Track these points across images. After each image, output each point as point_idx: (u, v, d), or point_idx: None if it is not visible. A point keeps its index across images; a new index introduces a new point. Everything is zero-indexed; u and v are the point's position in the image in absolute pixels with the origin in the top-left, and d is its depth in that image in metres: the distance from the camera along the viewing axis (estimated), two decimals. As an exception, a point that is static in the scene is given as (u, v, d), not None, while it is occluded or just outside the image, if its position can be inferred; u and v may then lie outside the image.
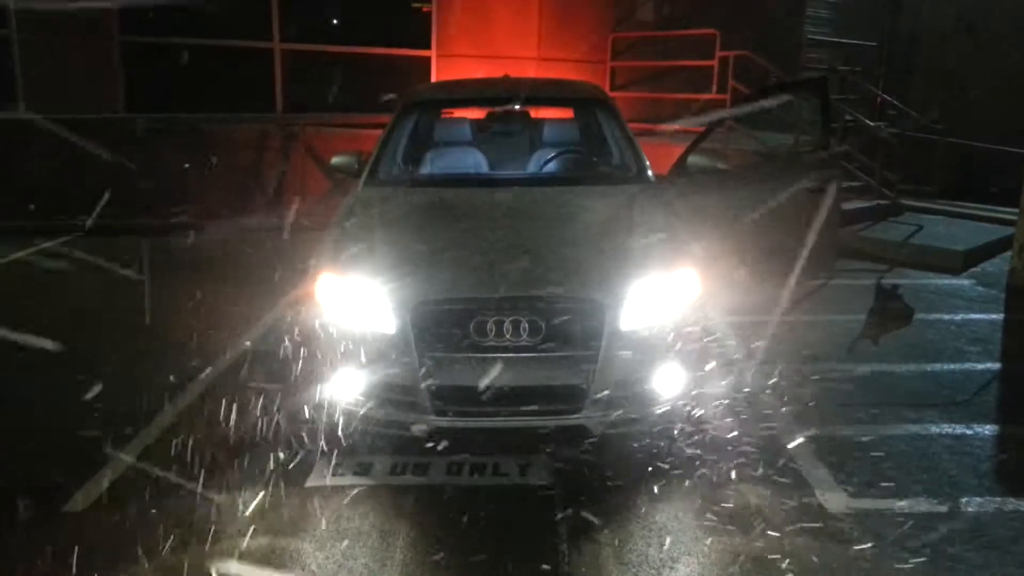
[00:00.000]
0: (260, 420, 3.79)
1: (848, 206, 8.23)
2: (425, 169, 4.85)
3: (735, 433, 3.78)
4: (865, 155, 8.90)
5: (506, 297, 3.33)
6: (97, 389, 4.06)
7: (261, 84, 9.34)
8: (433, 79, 9.52)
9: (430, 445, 3.52)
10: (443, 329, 3.33)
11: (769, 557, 2.91)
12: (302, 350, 3.68)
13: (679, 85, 9.58)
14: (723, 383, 4.15)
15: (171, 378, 4.31)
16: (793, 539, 3.02)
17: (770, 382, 4.39)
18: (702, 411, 3.79)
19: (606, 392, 3.36)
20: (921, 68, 12.99)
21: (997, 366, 4.84)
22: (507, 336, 3.31)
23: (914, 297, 6.17)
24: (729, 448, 3.66)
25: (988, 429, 3.96)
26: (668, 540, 3.02)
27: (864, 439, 3.79)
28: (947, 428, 3.95)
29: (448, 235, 3.82)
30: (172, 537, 2.99)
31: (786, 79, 7.87)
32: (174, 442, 3.62)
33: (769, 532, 3.07)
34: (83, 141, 8.45)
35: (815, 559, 2.90)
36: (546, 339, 3.32)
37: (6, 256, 7.08)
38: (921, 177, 9.55)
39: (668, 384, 3.48)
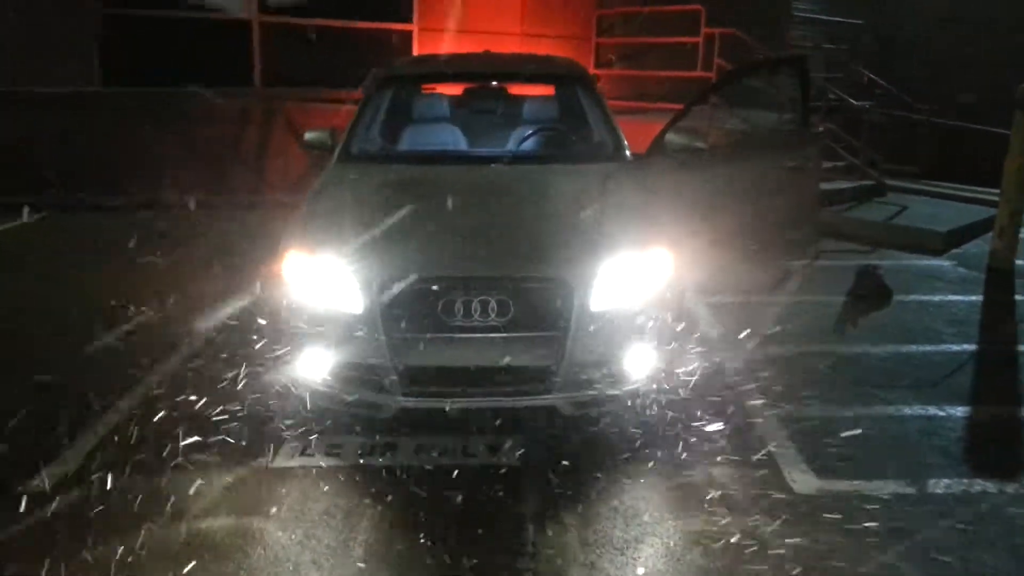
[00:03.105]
0: (229, 401, 3.75)
1: (831, 186, 8.22)
2: (399, 146, 4.77)
3: (706, 413, 3.76)
4: (850, 135, 8.86)
5: (474, 277, 3.29)
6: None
7: (239, 57, 9.19)
8: (415, 53, 9.39)
9: (399, 426, 3.50)
10: (410, 309, 3.28)
11: (734, 538, 2.90)
12: (270, 330, 3.64)
13: (664, 62, 9.49)
14: (696, 364, 4.12)
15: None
16: (759, 520, 3.01)
17: (744, 363, 4.38)
18: (673, 391, 3.75)
19: (575, 372, 3.34)
20: (909, 47, 12.92)
21: (972, 347, 4.84)
22: (475, 316, 3.27)
23: (894, 278, 6.14)
24: (699, 428, 3.64)
25: (960, 410, 3.96)
26: (633, 521, 3.01)
27: (836, 420, 3.79)
28: (919, 409, 3.95)
29: (418, 214, 3.75)
30: (135, 516, 2.96)
31: (767, 57, 7.78)
32: (133, 429, 3.58)
33: (735, 513, 3.05)
34: (59, 115, 8.35)
35: (781, 540, 2.89)
36: (514, 319, 3.28)
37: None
38: (905, 157, 9.53)
39: (639, 364, 3.45)
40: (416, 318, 3.28)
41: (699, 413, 3.75)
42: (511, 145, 4.87)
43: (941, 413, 3.91)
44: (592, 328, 3.32)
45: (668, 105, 8.66)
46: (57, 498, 3.04)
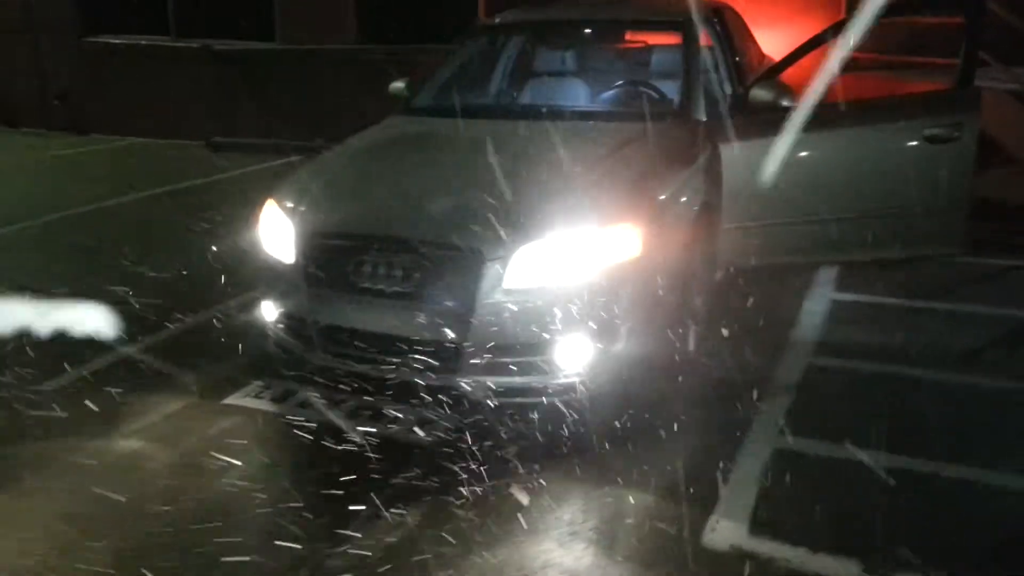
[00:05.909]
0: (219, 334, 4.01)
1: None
2: (456, 100, 4.58)
3: (665, 425, 3.14)
4: None
5: (383, 236, 3.12)
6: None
7: (465, 12, 9.51)
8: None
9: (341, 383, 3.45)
10: (327, 265, 3.22)
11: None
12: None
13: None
14: (707, 365, 3.42)
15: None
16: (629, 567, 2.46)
17: (788, 376, 3.56)
18: (635, 393, 3.17)
19: (483, 355, 3.00)
20: None
21: None
22: (381, 278, 3.09)
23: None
24: (637, 442, 3.06)
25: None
26: (490, 532, 2.65)
27: (839, 467, 2.90)
28: (970, 474, 2.85)
29: (386, 170, 3.65)
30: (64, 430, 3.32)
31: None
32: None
33: (603, 553, 2.53)
34: (322, 69, 9.50)
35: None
36: (422, 287, 3.04)
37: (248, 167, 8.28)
38: None
39: (573, 355, 3.00)
40: (330, 275, 3.21)
41: (654, 425, 3.13)
42: (580, 100, 4.42)
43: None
44: (509, 308, 2.96)
45: (926, 59, 7.09)
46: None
